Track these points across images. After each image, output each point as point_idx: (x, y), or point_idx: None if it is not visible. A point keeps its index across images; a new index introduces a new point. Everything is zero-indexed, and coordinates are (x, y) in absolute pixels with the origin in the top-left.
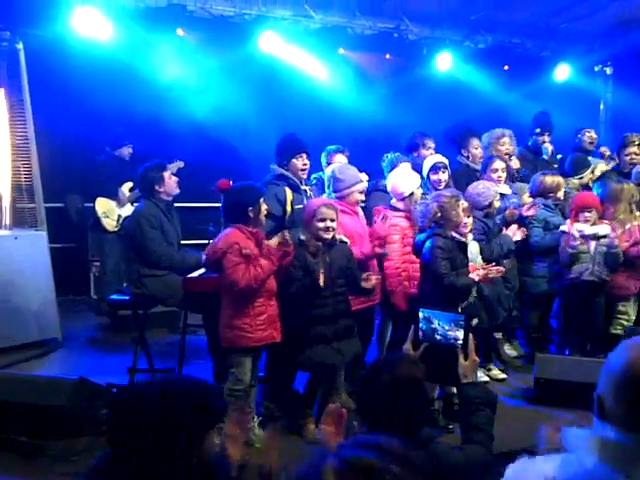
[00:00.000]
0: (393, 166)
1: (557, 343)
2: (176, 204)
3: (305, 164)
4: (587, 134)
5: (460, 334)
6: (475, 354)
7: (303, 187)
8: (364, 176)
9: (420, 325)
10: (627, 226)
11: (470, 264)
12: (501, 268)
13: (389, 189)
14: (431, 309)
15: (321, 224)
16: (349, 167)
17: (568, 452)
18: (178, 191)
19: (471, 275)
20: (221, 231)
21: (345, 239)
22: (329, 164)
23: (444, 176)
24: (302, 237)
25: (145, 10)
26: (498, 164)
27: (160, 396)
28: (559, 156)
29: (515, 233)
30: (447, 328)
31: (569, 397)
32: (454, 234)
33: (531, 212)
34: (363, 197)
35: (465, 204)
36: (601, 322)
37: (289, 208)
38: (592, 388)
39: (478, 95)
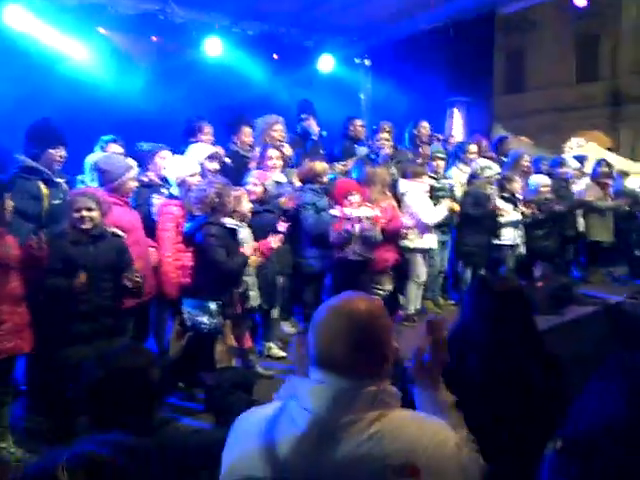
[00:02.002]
0: (153, 155)
1: None
2: None
3: (62, 155)
4: (356, 123)
5: (206, 319)
6: (234, 338)
7: (57, 179)
8: (132, 161)
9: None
10: (383, 205)
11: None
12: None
13: (170, 175)
14: (190, 297)
15: (76, 214)
16: (113, 156)
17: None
18: None
19: (246, 252)
20: None
21: (120, 233)
22: None
23: (217, 165)
24: (63, 228)
25: None
26: (272, 152)
27: None
28: (324, 133)
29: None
30: (194, 314)
31: None
32: (225, 220)
33: (291, 204)
34: (136, 184)
35: (241, 190)
36: None
37: (46, 204)
38: None
39: (249, 82)
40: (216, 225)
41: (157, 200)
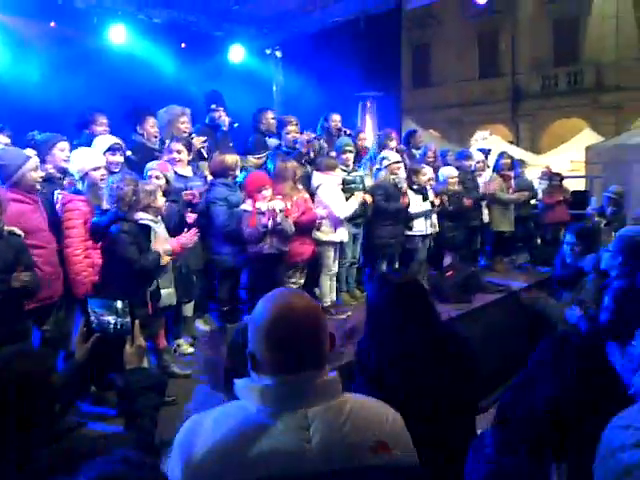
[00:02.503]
0: (50, 146)
1: (248, 313)
2: None
3: None
4: (267, 116)
5: (112, 319)
6: (147, 338)
7: None
8: (31, 151)
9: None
10: (294, 198)
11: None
12: (194, 236)
13: (73, 169)
14: (97, 296)
15: None
16: (8, 149)
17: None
18: None
19: (159, 249)
20: None
21: (18, 231)
22: None
23: (121, 158)
24: None
25: None
26: (175, 145)
27: None
28: (236, 125)
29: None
30: (99, 313)
31: None
32: (140, 216)
33: (195, 200)
34: (39, 174)
35: (154, 184)
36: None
37: None
38: None
39: (156, 71)
40: (129, 222)
41: (61, 196)
